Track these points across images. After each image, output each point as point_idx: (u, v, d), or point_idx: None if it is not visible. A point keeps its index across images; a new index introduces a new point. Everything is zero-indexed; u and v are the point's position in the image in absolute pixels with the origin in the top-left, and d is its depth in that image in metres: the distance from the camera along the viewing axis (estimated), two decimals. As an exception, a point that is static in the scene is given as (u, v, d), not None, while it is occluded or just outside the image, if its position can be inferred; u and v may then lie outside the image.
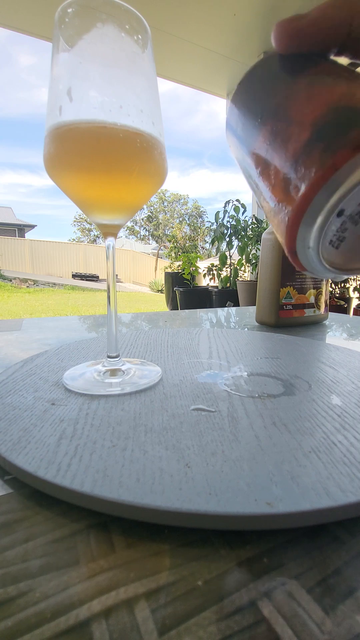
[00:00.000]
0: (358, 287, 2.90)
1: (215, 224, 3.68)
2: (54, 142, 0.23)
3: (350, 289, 2.99)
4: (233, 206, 3.62)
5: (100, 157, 0.23)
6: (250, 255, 3.36)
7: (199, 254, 4.21)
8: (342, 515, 0.14)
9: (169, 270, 4.77)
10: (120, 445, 0.18)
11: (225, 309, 0.80)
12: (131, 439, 0.19)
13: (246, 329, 0.53)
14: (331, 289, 3.02)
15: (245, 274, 3.90)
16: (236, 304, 3.41)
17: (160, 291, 8.85)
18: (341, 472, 0.16)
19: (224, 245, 3.66)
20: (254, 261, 3.34)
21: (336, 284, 2.98)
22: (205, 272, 3.98)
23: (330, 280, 0.95)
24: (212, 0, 2.70)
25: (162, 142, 0.26)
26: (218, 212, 3.67)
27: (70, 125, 0.22)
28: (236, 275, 3.60)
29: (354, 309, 2.81)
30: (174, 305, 4.16)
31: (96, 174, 0.23)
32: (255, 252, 3.33)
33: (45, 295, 6.83)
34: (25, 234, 17.46)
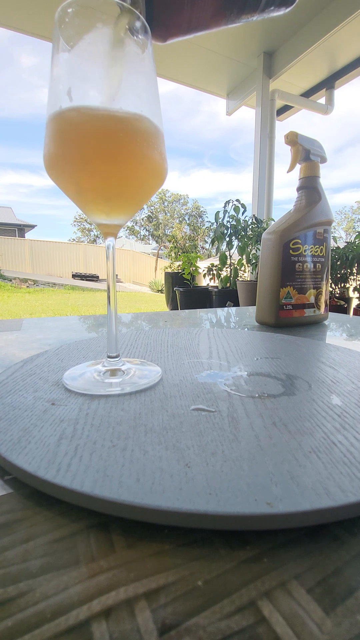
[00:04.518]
0: (358, 287, 2.90)
1: (215, 224, 3.68)
2: (53, 142, 0.23)
3: (350, 289, 2.99)
4: (233, 206, 3.62)
5: (100, 157, 0.23)
6: (250, 255, 3.36)
7: (199, 254, 4.21)
8: (342, 515, 0.14)
9: (169, 270, 4.78)
10: (120, 445, 0.18)
11: (225, 309, 0.80)
12: (131, 439, 0.19)
13: (246, 329, 0.53)
14: (331, 289, 3.02)
15: (245, 274, 3.90)
16: (236, 304, 3.41)
17: (160, 291, 8.85)
18: (341, 472, 0.16)
19: (224, 245, 3.66)
20: (254, 261, 3.34)
21: (336, 284, 2.98)
22: (205, 272, 3.99)
23: (330, 280, 0.95)
24: (212, 0, 2.69)
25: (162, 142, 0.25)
26: (218, 212, 3.67)
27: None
28: (236, 275, 3.61)
29: (354, 309, 2.81)
30: (174, 305, 4.16)
31: (96, 173, 0.23)
32: (255, 252, 3.33)
33: (45, 295, 6.83)
34: (25, 234, 17.45)
